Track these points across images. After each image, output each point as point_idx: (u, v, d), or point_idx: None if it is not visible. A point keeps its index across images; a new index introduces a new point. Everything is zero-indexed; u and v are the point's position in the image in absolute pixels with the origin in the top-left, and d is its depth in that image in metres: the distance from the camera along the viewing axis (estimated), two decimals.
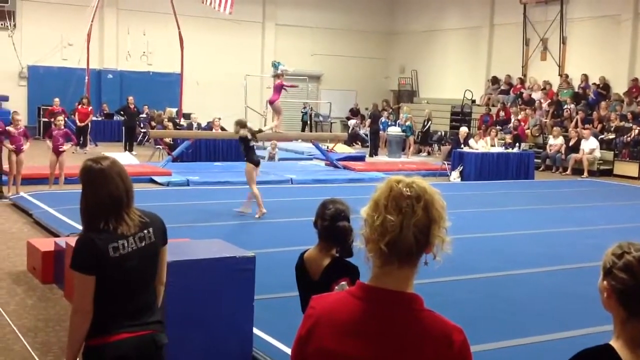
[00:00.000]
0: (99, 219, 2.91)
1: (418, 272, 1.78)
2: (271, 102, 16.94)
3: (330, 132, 26.58)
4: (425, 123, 24.06)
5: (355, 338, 1.73)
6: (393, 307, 1.73)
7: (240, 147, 10.71)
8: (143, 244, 2.99)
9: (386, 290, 1.74)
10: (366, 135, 24.91)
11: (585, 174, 19.00)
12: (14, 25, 24.05)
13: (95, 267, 2.87)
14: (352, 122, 27.62)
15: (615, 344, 1.85)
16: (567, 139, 20.19)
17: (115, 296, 2.94)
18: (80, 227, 8.59)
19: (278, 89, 16.59)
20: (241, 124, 10.72)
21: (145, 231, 3.01)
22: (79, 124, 20.15)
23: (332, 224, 3.44)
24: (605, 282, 1.90)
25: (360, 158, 19.92)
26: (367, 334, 1.73)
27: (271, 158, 18.49)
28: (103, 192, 2.92)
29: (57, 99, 20.47)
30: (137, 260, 2.96)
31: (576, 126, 20.81)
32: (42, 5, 24.23)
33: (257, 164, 10.62)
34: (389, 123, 24.24)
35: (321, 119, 28.57)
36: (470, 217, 11.27)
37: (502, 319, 6.24)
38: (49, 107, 21.06)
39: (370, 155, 21.80)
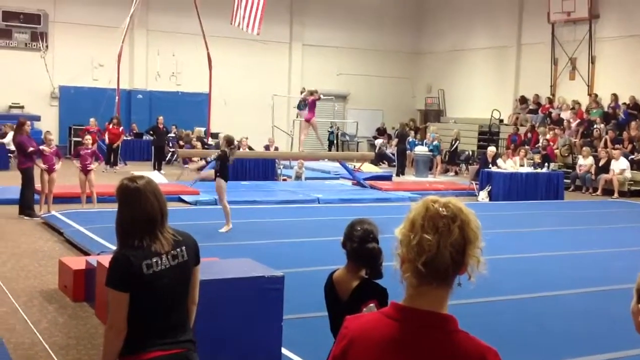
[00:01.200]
0: (134, 237, 2.97)
1: (453, 293, 1.77)
2: (307, 120, 17.19)
3: (357, 151, 26.60)
4: (453, 142, 23.98)
5: (390, 358, 1.73)
6: (427, 328, 1.73)
7: (217, 163, 10.84)
8: (176, 262, 3.03)
9: (420, 311, 1.74)
10: (393, 154, 24.88)
11: (616, 194, 18.75)
12: (47, 47, 24.53)
13: (129, 284, 2.91)
14: (378, 142, 27.63)
15: None
16: (597, 159, 19.97)
17: (148, 314, 2.96)
18: (110, 246, 8.69)
19: (312, 106, 16.79)
20: (229, 141, 10.95)
21: (178, 249, 3.05)
22: (109, 143, 20.41)
23: (361, 246, 3.42)
24: None
25: (387, 177, 19.89)
26: (401, 354, 1.72)
27: (298, 177, 18.55)
28: (138, 210, 2.98)
29: (92, 119, 20.79)
30: (170, 278, 3.00)
31: (605, 146, 20.59)
32: (74, 27, 24.69)
33: (227, 180, 10.83)
34: (416, 142, 24.21)
35: (348, 138, 28.60)
36: (499, 238, 11.17)
37: (533, 341, 6.16)
38: (83, 127, 21.40)
39: (397, 175, 21.76)
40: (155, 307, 2.98)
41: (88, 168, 12.36)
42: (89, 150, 12.69)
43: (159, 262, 2.96)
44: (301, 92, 27.75)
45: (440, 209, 1.74)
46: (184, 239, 3.10)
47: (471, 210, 1.78)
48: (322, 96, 17.46)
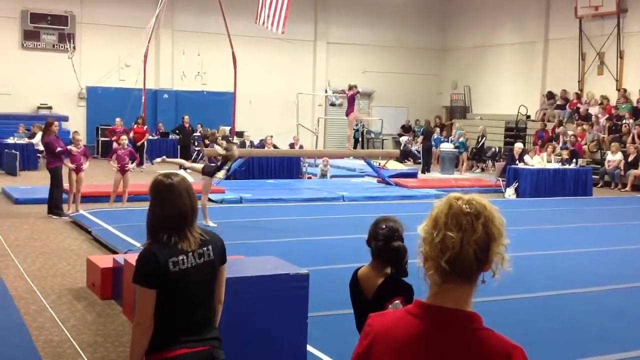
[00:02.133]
0: (163, 232, 3.00)
1: (477, 291, 1.75)
2: (347, 115, 17.39)
3: (382, 148, 26.54)
4: (480, 139, 23.80)
5: (414, 356, 1.72)
6: (452, 325, 1.72)
7: (219, 161, 11.37)
8: (202, 260, 3.05)
9: (445, 309, 1.72)
10: (418, 151, 24.77)
11: None
12: (74, 48, 24.81)
13: (155, 281, 2.94)
14: (404, 139, 27.52)
15: None
16: (625, 155, 19.70)
17: (174, 311, 2.99)
18: (137, 244, 8.77)
19: (352, 100, 16.85)
20: (229, 145, 11.56)
21: (205, 248, 3.07)
22: (135, 143, 20.57)
23: (386, 244, 3.40)
24: None
25: (413, 175, 19.81)
26: (425, 352, 1.71)
27: (323, 175, 18.55)
28: (170, 207, 3.01)
29: (119, 119, 20.99)
30: (196, 276, 3.02)
31: (634, 141, 20.29)
32: (101, 28, 24.95)
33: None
34: (442, 139, 24.07)
35: (373, 135, 28.56)
36: (526, 235, 11.07)
37: (562, 339, 6.08)
38: (109, 127, 21.59)
39: (423, 172, 21.66)
40: (181, 305, 3.00)
41: (126, 168, 12.49)
42: (126, 150, 12.83)
43: (185, 260, 2.98)
44: (326, 91, 27.88)
45: (464, 206, 1.72)
46: (210, 238, 3.13)
47: (495, 207, 1.76)
48: (360, 90, 17.63)
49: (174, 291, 2.97)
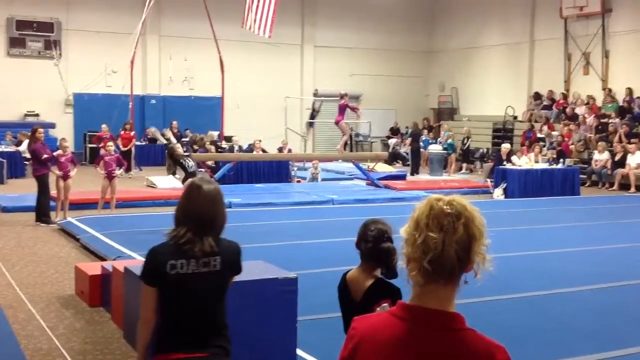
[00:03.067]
0: (181, 229, 3.10)
1: (459, 291, 1.77)
2: (336, 123, 17.48)
3: (371, 151, 26.58)
4: (465, 141, 23.87)
5: (398, 358, 1.73)
6: (435, 326, 1.73)
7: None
8: (206, 269, 3.09)
9: (428, 310, 1.74)
10: (407, 154, 24.83)
11: (633, 189, 18.59)
12: (60, 55, 24.72)
13: (154, 279, 3.07)
14: (392, 141, 27.59)
15: None
16: (612, 154, 19.82)
17: (175, 314, 3.08)
18: (126, 251, 8.74)
19: (342, 109, 17.05)
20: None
21: (212, 258, 3.10)
22: (122, 148, 20.52)
23: (375, 246, 3.42)
24: None
25: (402, 177, 19.86)
26: (409, 354, 1.72)
27: (313, 178, 18.55)
28: (192, 207, 3.13)
29: (104, 126, 20.93)
30: (196, 284, 3.06)
31: (620, 140, 20.43)
32: (87, 35, 24.85)
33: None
34: (430, 141, 24.13)
35: (361, 138, 28.59)
36: (515, 235, 11.13)
37: (550, 339, 6.11)
38: (97, 133, 21.51)
39: (412, 174, 21.71)
40: (181, 310, 3.08)
41: (113, 174, 12.45)
42: (113, 157, 12.78)
43: (185, 265, 3.04)
44: (314, 95, 27.90)
45: (445, 207, 1.74)
46: (222, 249, 3.15)
47: (475, 208, 1.78)
48: (352, 109, 18.04)
49: (172, 294, 3.06)
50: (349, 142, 27.63)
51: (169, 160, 11.42)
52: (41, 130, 12.34)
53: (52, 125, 23.60)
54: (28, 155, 15.81)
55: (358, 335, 1.81)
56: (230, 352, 3.19)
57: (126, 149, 20.64)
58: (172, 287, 3.04)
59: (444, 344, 1.71)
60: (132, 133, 21.12)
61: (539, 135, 22.91)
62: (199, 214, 3.10)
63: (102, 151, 13.30)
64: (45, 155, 11.79)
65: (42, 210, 11.89)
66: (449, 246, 1.71)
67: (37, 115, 24.40)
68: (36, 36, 24.54)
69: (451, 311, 1.75)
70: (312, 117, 26.37)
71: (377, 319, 1.83)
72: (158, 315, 3.08)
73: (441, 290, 1.74)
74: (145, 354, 3.12)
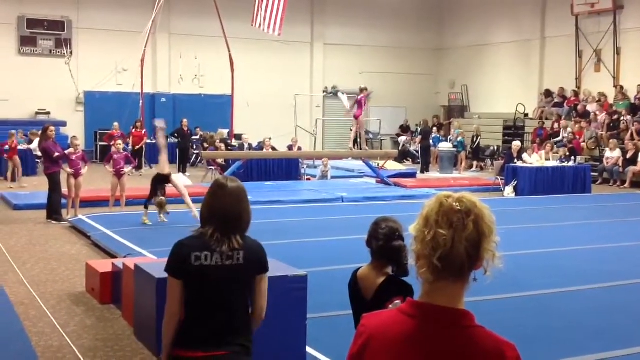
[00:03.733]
0: (208, 227, 3.13)
1: (469, 289, 1.76)
2: (356, 117, 17.66)
3: (381, 149, 26.53)
4: (475, 139, 23.79)
5: (407, 355, 1.72)
6: (444, 323, 1.72)
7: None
8: (229, 263, 3.10)
9: (437, 307, 1.73)
10: (417, 151, 24.78)
11: None
12: (71, 53, 24.81)
13: (178, 271, 3.09)
14: (402, 139, 27.54)
15: None
16: (624, 152, 19.71)
17: (196, 308, 3.09)
18: (137, 248, 8.76)
19: (360, 103, 17.30)
20: None
21: (236, 252, 3.12)
22: (133, 147, 20.59)
23: (386, 244, 3.40)
24: None
25: (412, 175, 19.82)
26: (419, 351, 1.72)
27: (323, 176, 18.54)
28: (217, 205, 3.17)
29: (116, 123, 20.99)
30: (218, 276, 3.08)
31: (632, 138, 20.31)
32: (97, 33, 24.94)
33: None
34: (440, 139, 24.07)
35: (371, 136, 28.53)
36: (525, 233, 11.09)
37: (560, 336, 6.09)
38: (108, 132, 21.59)
39: (422, 172, 21.67)
40: (203, 304, 3.10)
41: (121, 172, 12.52)
42: (122, 155, 12.86)
43: (209, 257, 3.07)
44: (323, 92, 27.89)
45: (454, 203, 1.73)
46: (247, 245, 3.17)
47: (485, 205, 1.77)
48: (370, 92, 18.33)
49: (194, 286, 3.08)
50: (358, 139, 27.66)
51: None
52: (52, 128, 12.40)
53: (63, 124, 23.69)
54: (39, 154, 15.90)
55: (367, 332, 1.81)
56: (251, 351, 3.19)
57: (138, 147, 20.71)
58: (195, 279, 3.06)
59: (454, 342, 1.70)
60: (144, 131, 21.18)
61: (560, 124, 22.75)
62: (224, 212, 3.13)
63: (112, 149, 13.37)
64: (56, 153, 11.84)
65: (53, 208, 11.94)
66: (459, 243, 1.70)
67: (48, 113, 24.52)
68: (47, 35, 24.64)
69: (461, 308, 1.74)
70: (334, 93, 26.27)
71: (386, 316, 1.82)
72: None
73: (450, 287, 1.74)
74: (171, 349, 3.13)
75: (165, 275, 3.17)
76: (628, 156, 19.46)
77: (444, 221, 1.72)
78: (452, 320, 1.73)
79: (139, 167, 20.52)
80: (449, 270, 1.72)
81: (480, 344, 1.70)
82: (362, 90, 17.56)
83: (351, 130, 19.14)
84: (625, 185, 19.03)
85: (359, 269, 3.57)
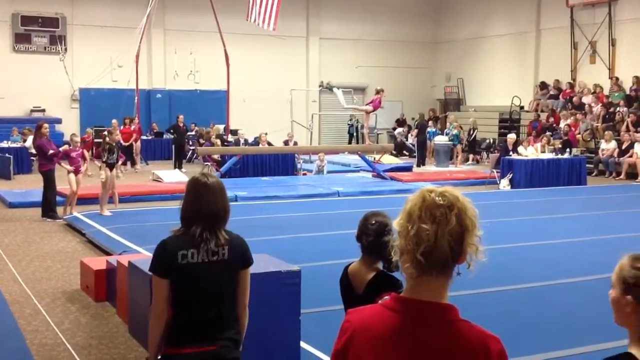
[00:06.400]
0: (193, 226, 3.09)
1: (452, 283, 1.76)
2: (367, 112, 19.23)
3: (377, 143, 26.53)
4: (471, 132, 23.79)
5: (392, 350, 1.72)
6: (429, 318, 1.72)
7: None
8: (215, 258, 3.10)
9: (421, 302, 1.73)
10: (413, 145, 24.77)
11: None
12: (65, 50, 24.76)
13: (165, 270, 3.07)
14: (398, 133, 27.53)
15: (634, 350, 1.90)
16: (619, 143, 19.72)
17: (185, 306, 3.09)
18: (132, 245, 8.74)
19: (377, 103, 18.52)
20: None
21: (220, 248, 3.12)
22: (124, 144, 20.57)
23: (377, 239, 3.40)
24: (628, 297, 1.90)
25: (408, 168, 19.83)
26: (403, 346, 1.71)
27: (320, 171, 18.54)
28: (204, 203, 3.12)
29: (114, 120, 20.97)
30: (206, 273, 3.08)
31: (627, 129, 20.32)
32: (92, 29, 24.89)
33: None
34: (436, 132, 24.07)
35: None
36: (520, 225, 11.10)
37: (555, 329, 6.10)
38: (107, 128, 21.58)
39: (418, 166, 21.68)
40: (192, 300, 3.09)
41: (80, 170, 12.16)
42: (79, 152, 12.52)
43: (195, 254, 3.06)
44: (319, 86, 27.86)
45: (437, 198, 1.73)
46: (230, 239, 3.17)
47: (468, 199, 1.76)
48: (384, 94, 19.10)
49: (182, 284, 3.06)
50: (354, 134, 27.67)
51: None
52: (46, 125, 12.36)
53: (59, 121, 23.67)
54: (34, 151, 15.86)
55: (352, 328, 1.80)
56: (241, 343, 3.22)
57: (127, 143, 20.67)
58: (182, 277, 3.05)
59: (438, 336, 1.70)
60: (132, 127, 21.07)
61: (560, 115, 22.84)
62: (212, 209, 3.11)
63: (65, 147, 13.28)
64: (51, 151, 11.81)
65: (48, 206, 11.92)
66: (442, 237, 1.69)
67: (43, 110, 24.48)
68: (41, 31, 24.59)
69: (445, 303, 1.74)
70: (329, 89, 26.46)
71: (371, 312, 1.82)
72: (169, 309, 3.09)
73: (434, 282, 1.73)
74: (158, 349, 3.12)
75: None
76: (623, 147, 19.48)
77: (426, 216, 1.71)
78: (436, 314, 1.72)
79: (133, 164, 20.48)
80: (433, 265, 1.71)
81: (465, 338, 1.70)
82: (378, 91, 18.60)
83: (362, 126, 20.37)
84: (621, 176, 19.05)
85: (350, 264, 3.57)
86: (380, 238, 3.39)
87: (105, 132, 12.81)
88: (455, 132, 23.09)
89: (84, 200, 12.86)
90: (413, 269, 1.73)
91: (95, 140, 23.03)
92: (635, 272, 1.90)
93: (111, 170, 12.01)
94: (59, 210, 12.04)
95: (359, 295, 3.44)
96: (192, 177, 3.26)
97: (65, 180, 12.18)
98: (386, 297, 3.32)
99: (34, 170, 18.45)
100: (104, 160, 11.77)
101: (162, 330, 3.07)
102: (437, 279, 1.73)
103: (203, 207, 3.11)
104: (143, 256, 7.56)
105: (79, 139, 12.87)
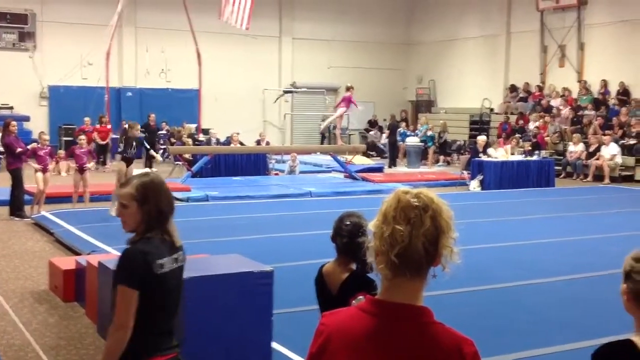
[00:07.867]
0: (156, 231, 2.92)
1: (427, 285, 1.77)
2: (336, 107, 19.48)
3: (349, 144, 26.58)
4: (441, 134, 23.95)
5: (367, 353, 1.72)
6: (403, 320, 1.72)
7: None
8: (176, 266, 3.00)
9: (396, 304, 1.73)
10: (384, 146, 24.86)
11: (607, 180, 18.80)
12: (35, 47, 24.40)
13: (141, 281, 2.82)
14: (370, 134, 27.61)
15: (635, 338, 2.00)
16: (587, 145, 20.02)
17: (155, 316, 2.91)
18: (101, 245, 8.59)
19: (347, 101, 18.48)
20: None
21: (180, 253, 3.03)
22: (100, 142, 20.38)
23: (350, 240, 3.40)
24: (625, 286, 2.07)
25: (379, 169, 19.90)
26: (378, 348, 1.72)
27: (292, 171, 18.53)
28: (165, 203, 2.97)
29: (87, 118, 20.76)
30: (173, 281, 2.97)
31: (595, 132, 20.63)
32: (62, 26, 24.54)
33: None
34: (408, 133, 24.19)
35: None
36: (490, 227, 11.21)
37: (524, 329, 6.16)
38: (79, 127, 21.38)
39: (389, 167, 21.76)
40: (161, 310, 2.93)
41: (84, 167, 12.37)
42: (85, 150, 12.72)
43: (167, 263, 2.91)
44: (291, 85, 27.84)
45: (412, 199, 1.73)
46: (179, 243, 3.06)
47: (443, 200, 1.77)
48: (355, 104, 19.18)
49: (155, 294, 2.86)
50: (327, 134, 27.69)
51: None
52: (14, 123, 12.16)
53: (27, 118, 23.29)
54: (1, 149, 15.61)
55: (327, 331, 1.80)
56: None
57: (105, 142, 20.50)
58: (155, 288, 2.86)
59: (413, 338, 1.71)
60: (109, 126, 20.94)
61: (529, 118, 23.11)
62: (172, 208, 3.00)
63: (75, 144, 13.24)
64: (19, 149, 11.64)
65: (16, 205, 11.75)
66: (416, 239, 1.69)
67: (11, 108, 24.06)
68: (10, 28, 24.18)
69: (419, 305, 1.74)
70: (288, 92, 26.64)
71: (346, 314, 1.82)
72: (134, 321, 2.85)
73: (409, 284, 1.73)
74: None
75: None
76: (591, 150, 19.76)
77: (401, 217, 1.71)
78: (410, 316, 1.73)
79: (104, 163, 20.28)
80: (407, 266, 1.71)
81: (439, 340, 1.71)
82: (348, 88, 18.64)
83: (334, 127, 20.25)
84: (588, 178, 19.33)
85: (325, 264, 3.57)
86: (355, 239, 3.39)
87: (126, 126, 12.76)
88: (429, 133, 23.24)
89: (53, 199, 12.71)
90: (387, 270, 1.73)
91: (65, 139, 22.82)
92: (631, 262, 2.09)
93: (128, 165, 11.77)
94: (27, 209, 11.87)
95: (333, 295, 3.45)
96: (142, 181, 2.95)
97: (32, 179, 12.03)
98: (360, 297, 3.37)
99: (1, 169, 18.16)
100: (120, 152, 11.70)
101: (125, 345, 2.83)
102: (412, 281, 1.73)
103: (167, 205, 2.96)
104: (112, 256, 7.48)
105: (47, 137, 12.71)
